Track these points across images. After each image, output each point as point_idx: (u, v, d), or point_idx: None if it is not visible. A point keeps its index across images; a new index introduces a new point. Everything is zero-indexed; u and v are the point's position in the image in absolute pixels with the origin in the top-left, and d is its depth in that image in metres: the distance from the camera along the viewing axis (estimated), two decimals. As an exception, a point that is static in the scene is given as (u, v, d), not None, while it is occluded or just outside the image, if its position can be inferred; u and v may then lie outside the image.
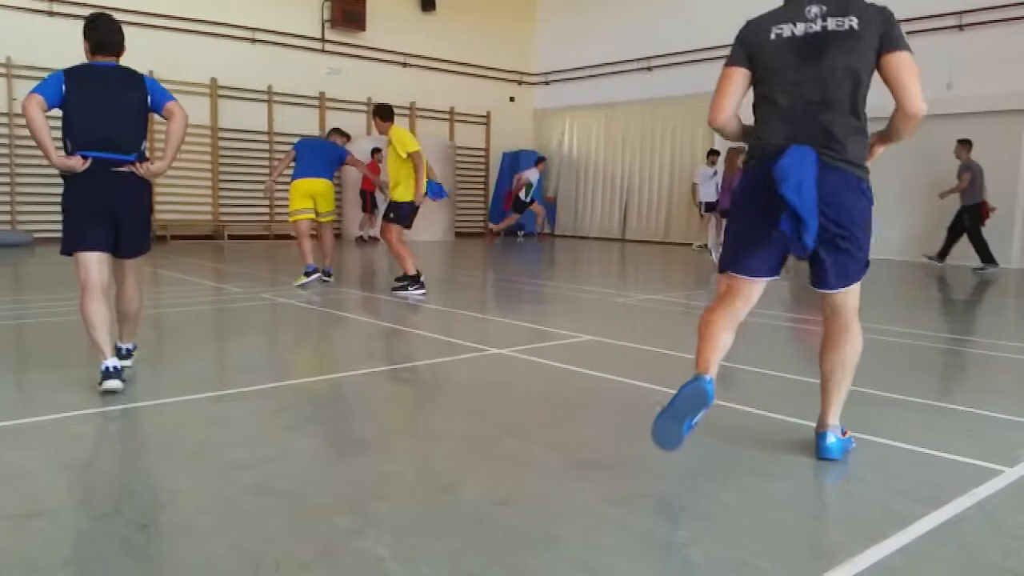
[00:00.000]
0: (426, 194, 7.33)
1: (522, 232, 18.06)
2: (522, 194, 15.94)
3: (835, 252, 2.67)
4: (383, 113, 7.46)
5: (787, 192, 2.49)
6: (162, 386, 3.96)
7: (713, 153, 13.86)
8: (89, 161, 3.72)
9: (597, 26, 17.46)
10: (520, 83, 18.94)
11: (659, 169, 16.74)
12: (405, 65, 16.67)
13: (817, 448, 2.86)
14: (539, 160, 16.29)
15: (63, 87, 3.73)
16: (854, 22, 2.56)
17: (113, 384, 3.65)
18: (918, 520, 2.28)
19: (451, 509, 2.35)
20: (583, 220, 18.29)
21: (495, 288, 8.49)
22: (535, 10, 19.01)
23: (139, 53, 12.83)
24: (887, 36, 2.55)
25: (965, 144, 11.05)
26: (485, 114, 18.16)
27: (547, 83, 18.91)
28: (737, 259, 2.81)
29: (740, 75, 2.75)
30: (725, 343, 2.81)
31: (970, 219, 11.07)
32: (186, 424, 3.21)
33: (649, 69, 16.55)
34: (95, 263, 3.78)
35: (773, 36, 2.67)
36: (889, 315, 6.22)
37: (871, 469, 2.80)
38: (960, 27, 11.96)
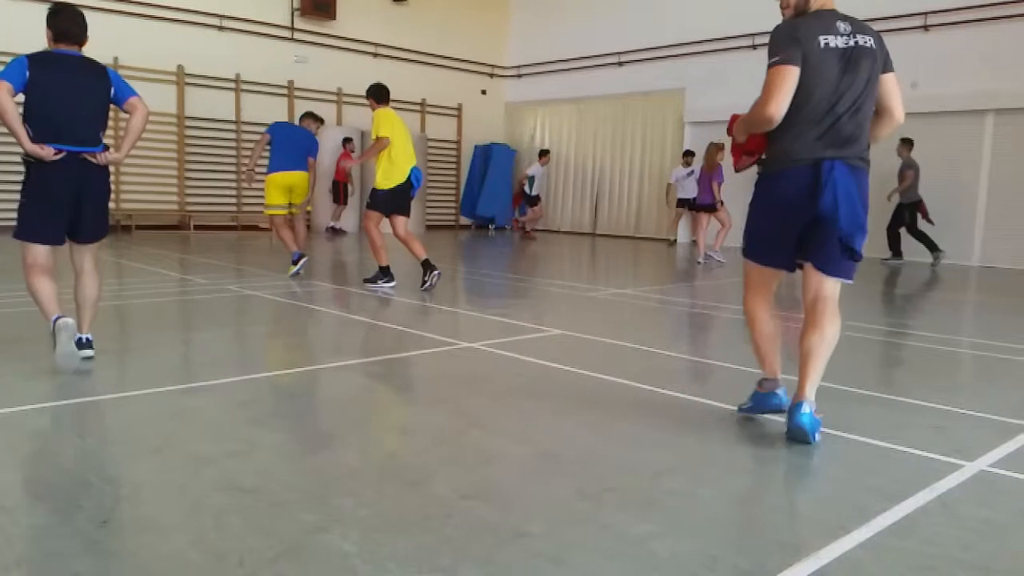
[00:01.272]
0: (412, 182, 7.11)
1: (493, 226, 18.03)
2: (526, 188, 15.78)
3: (854, 242, 2.95)
4: (375, 95, 7.22)
5: (827, 210, 2.89)
6: (125, 379, 3.89)
7: (688, 154, 13.95)
8: (63, 154, 3.77)
9: (569, 20, 17.46)
10: (492, 76, 18.88)
11: (630, 164, 16.81)
12: (376, 55, 16.52)
13: (790, 417, 2.93)
14: (542, 153, 15.98)
15: (27, 73, 3.73)
16: (871, 41, 2.94)
17: (67, 321, 3.80)
18: (881, 514, 2.32)
19: (419, 504, 2.33)
20: (554, 214, 18.31)
21: (465, 282, 8.47)
22: (507, 3, 18.95)
23: (105, 40, 12.62)
24: (887, 58, 3.00)
25: (907, 143, 11.33)
26: (457, 106, 18.09)
27: (519, 76, 18.88)
28: (763, 255, 3.17)
29: (797, 74, 2.87)
30: (775, 331, 3.26)
31: (910, 215, 11.35)
32: (149, 418, 3.15)
33: (620, 64, 16.59)
34: (45, 251, 3.93)
35: (822, 45, 2.88)
36: (852, 311, 6.31)
37: (836, 464, 2.84)
38: (925, 27, 12.15)
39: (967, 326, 6.65)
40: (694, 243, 14.44)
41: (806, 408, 2.91)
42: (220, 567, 1.89)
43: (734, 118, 3.30)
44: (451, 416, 3.33)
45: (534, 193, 15.75)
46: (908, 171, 11.31)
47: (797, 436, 2.94)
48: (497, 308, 6.58)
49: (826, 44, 2.87)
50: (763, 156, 3.24)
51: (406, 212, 7.22)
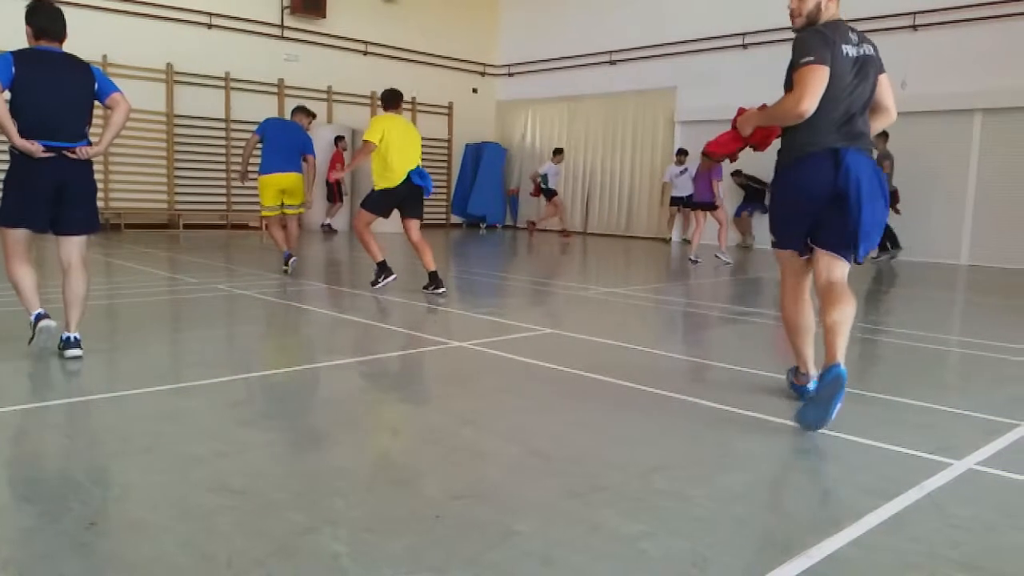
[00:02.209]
0: (412, 180, 6.97)
1: (484, 225, 18.02)
2: (541, 184, 15.65)
3: (871, 226, 3.20)
4: (381, 99, 7.10)
5: (850, 190, 3.13)
6: (114, 379, 3.87)
7: (681, 152, 14.02)
8: (52, 153, 3.87)
9: (560, 18, 17.46)
10: (483, 74, 18.86)
11: (620, 163, 16.81)
12: (366, 54, 16.48)
13: (828, 373, 3.03)
14: (556, 152, 15.75)
15: (13, 70, 3.81)
16: (872, 49, 3.26)
17: (49, 324, 3.98)
18: (870, 512, 2.33)
19: (409, 504, 2.33)
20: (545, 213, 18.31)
21: (457, 281, 8.46)
22: (498, 1, 18.93)
23: (94, 37, 12.58)
24: (881, 62, 3.30)
25: (883, 135, 11.48)
26: (448, 105, 18.05)
27: (510, 75, 18.86)
28: (785, 238, 3.43)
29: (828, 74, 3.11)
30: (811, 325, 3.48)
31: None
32: (138, 418, 3.13)
33: (611, 63, 16.60)
34: (25, 238, 4.06)
35: (843, 52, 3.16)
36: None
37: (826, 462, 2.86)
38: (914, 27, 12.20)
39: (955, 324, 6.69)
40: (686, 242, 14.48)
41: (842, 366, 3.05)
42: (209, 568, 1.88)
43: (741, 111, 3.52)
44: (442, 415, 3.33)
45: (551, 188, 15.53)
46: (885, 161, 11.43)
47: (827, 391, 3.00)
48: (488, 307, 6.58)
49: (845, 52, 3.16)
50: (736, 152, 3.62)
51: (415, 215, 7.10)
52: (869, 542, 2.15)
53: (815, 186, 3.21)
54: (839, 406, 3.02)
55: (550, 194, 15.65)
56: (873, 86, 3.25)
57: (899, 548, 2.12)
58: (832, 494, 2.53)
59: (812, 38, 3.15)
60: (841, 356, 3.09)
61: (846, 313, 3.18)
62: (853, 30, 3.24)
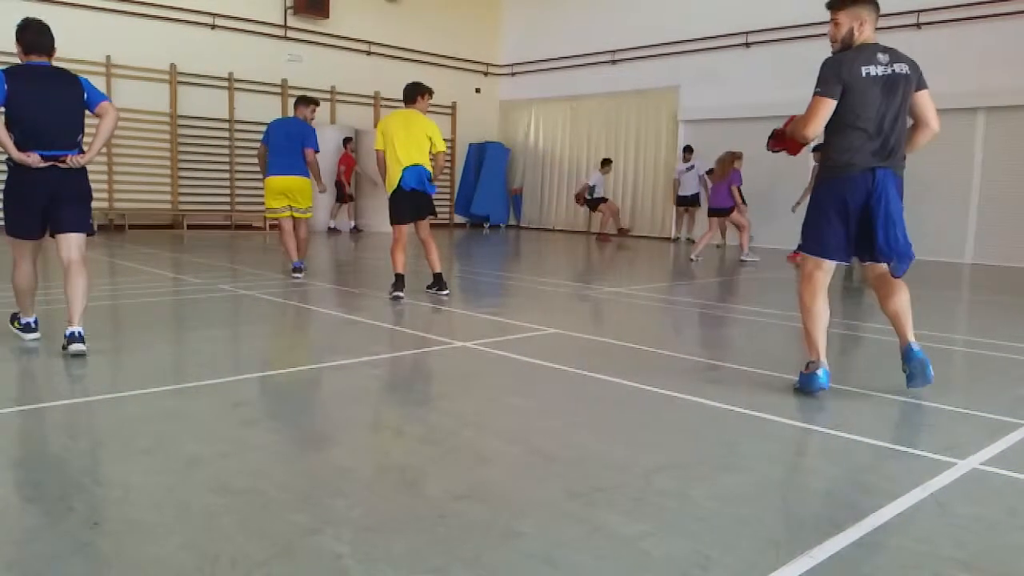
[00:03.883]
0: (401, 185, 6.58)
1: (488, 224, 18.02)
2: (587, 195, 15.40)
3: (903, 242, 3.47)
4: (403, 95, 6.89)
5: (879, 208, 3.43)
6: (117, 379, 3.88)
7: (688, 150, 13.98)
8: (48, 163, 4.03)
9: (563, 18, 17.46)
10: (486, 74, 18.86)
11: (623, 162, 16.79)
12: (369, 54, 16.49)
13: (913, 354, 3.61)
14: (605, 162, 15.31)
15: (5, 87, 3.98)
16: (906, 68, 3.49)
17: (34, 336, 4.34)
18: (874, 512, 2.32)
19: (412, 505, 2.33)
20: (548, 212, 18.31)
21: (460, 281, 8.46)
22: (500, 0, 18.93)
23: (98, 39, 12.62)
24: (921, 79, 3.56)
25: None
26: (451, 105, 18.05)
27: (513, 75, 18.86)
28: (825, 249, 3.63)
29: (832, 105, 3.45)
30: (827, 313, 3.71)
31: None
32: (141, 418, 3.13)
33: (614, 62, 16.59)
34: (32, 246, 4.27)
35: (864, 74, 3.43)
36: (842, 309, 6.34)
37: (829, 462, 2.85)
38: (918, 25, 12.17)
39: (959, 324, 6.67)
40: (690, 241, 14.46)
41: (917, 346, 3.63)
42: (212, 569, 1.88)
43: (792, 118, 3.82)
44: (444, 416, 3.32)
45: (597, 196, 15.10)
46: None
47: (918, 368, 3.57)
48: (492, 307, 6.57)
49: (867, 73, 3.43)
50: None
51: (419, 215, 6.71)
52: (872, 542, 2.14)
53: (849, 203, 3.50)
54: (931, 368, 3.58)
55: (596, 203, 15.14)
56: (904, 103, 3.49)
57: (902, 548, 2.11)
58: (835, 494, 2.52)
59: (825, 69, 3.48)
60: (912, 337, 3.63)
61: (906, 297, 3.64)
62: (886, 51, 3.50)
